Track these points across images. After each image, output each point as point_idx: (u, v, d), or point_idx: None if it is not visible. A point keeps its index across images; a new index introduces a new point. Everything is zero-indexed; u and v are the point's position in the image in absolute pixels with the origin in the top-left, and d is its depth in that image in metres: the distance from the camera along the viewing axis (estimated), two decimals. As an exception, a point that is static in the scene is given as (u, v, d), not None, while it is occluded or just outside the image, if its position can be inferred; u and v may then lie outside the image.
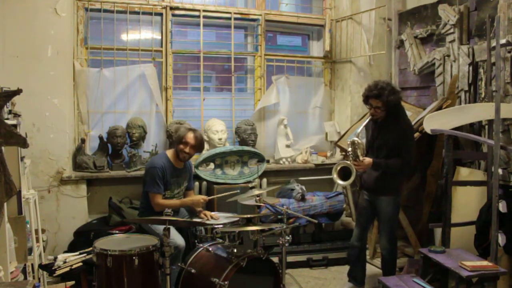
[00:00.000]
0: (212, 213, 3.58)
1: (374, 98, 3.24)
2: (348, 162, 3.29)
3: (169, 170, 3.44)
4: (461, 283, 2.75)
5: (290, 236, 3.23)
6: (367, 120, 3.39)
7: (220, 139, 4.44)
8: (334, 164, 3.48)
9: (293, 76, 5.05)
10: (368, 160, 3.29)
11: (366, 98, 3.33)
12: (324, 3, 5.22)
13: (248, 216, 3.34)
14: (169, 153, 3.55)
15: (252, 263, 2.91)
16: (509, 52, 3.42)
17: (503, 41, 3.25)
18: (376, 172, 3.37)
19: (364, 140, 3.52)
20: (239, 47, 4.97)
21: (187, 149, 3.44)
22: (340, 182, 3.33)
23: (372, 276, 3.88)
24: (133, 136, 4.21)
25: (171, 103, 4.57)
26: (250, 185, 4.32)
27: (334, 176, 3.32)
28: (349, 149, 3.31)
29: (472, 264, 2.74)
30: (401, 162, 3.29)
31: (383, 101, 3.22)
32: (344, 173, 3.32)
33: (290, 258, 4.10)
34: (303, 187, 4.43)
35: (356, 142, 3.30)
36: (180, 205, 3.57)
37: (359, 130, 3.37)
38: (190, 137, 3.44)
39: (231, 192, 3.62)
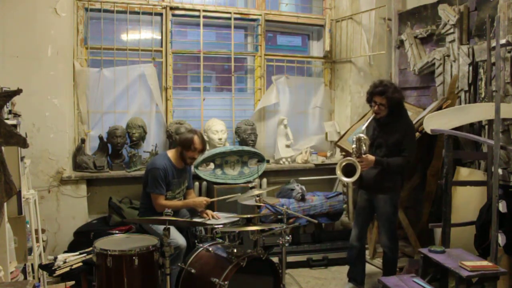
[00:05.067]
0: (214, 213, 3.59)
1: (379, 95, 3.29)
2: (353, 158, 3.30)
3: (170, 170, 3.44)
4: (461, 283, 2.75)
5: (290, 236, 3.22)
6: (371, 118, 3.41)
7: (220, 139, 4.44)
8: (335, 164, 3.48)
9: (293, 76, 5.05)
10: (371, 157, 3.30)
11: (371, 95, 3.37)
12: (324, 3, 5.22)
13: (248, 216, 3.33)
14: (170, 153, 3.53)
15: (252, 263, 2.91)
16: (509, 52, 3.42)
17: (503, 41, 3.25)
18: (375, 170, 3.37)
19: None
20: (239, 47, 4.97)
21: (196, 155, 3.49)
22: (344, 179, 3.32)
23: (372, 276, 3.88)
24: (133, 136, 4.21)
25: (171, 103, 4.57)
26: (250, 185, 4.31)
27: (338, 172, 3.31)
28: (354, 145, 3.33)
29: (472, 264, 2.74)
30: (402, 161, 3.31)
31: (387, 98, 3.26)
32: (347, 170, 3.32)
33: (290, 258, 4.10)
34: (303, 187, 4.43)
35: (362, 138, 3.31)
36: (182, 206, 3.57)
37: (364, 127, 3.38)
38: (197, 142, 3.44)
39: (233, 196, 3.63)
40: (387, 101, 3.27)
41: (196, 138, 3.43)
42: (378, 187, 3.40)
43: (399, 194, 3.51)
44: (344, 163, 3.31)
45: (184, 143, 3.44)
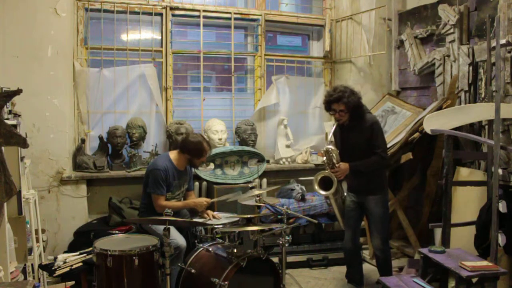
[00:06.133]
0: (214, 213, 3.59)
1: (336, 102, 3.29)
2: (327, 171, 3.36)
3: (171, 172, 3.43)
4: (461, 283, 2.75)
5: (290, 236, 3.23)
6: (334, 127, 3.42)
7: (220, 139, 4.43)
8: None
9: (293, 76, 5.05)
10: (344, 165, 3.33)
11: (328, 104, 3.36)
12: (324, 3, 5.22)
13: (248, 216, 3.33)
14: (172, 154, 3.53)
15: (252, 263, 2.91)
16: (509, 52, 3.42)
17: (503, 41, 3.25)
18: (357, 175, 3.39)
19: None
20: (239, 47, 4.97)
21: (205, 158, 3.56)
22: (323, 192, 3.41)
23: (372, 275, 3.88)
24: (133, 136, 4.21)
25: (171, 103, 4.57)
26: (250, 185, 4.32)
27: (316, 187, 3.38)
28: (324, 158, 3.37)
29: (472, 264, 2.74)
30: (377, 158, 3.33)
31: (345, 103, 3.26)
32: (325, 183, 3.37)
33: (290, 258, 4.10)
34: (303, 187, 4.43)
35: (330, 150, 3.36)
36: (183, 207, 3.57)
37: (329, 138, 3.42)
38: (206, 146, 3.50)
39: (233, 194, 3.64)
40: (345, 106, 3.27)
41: (204, 144, 3.48)
42: (366, 189, 3.42)
43: (388, 193, 3.55)
44: (319, 177, 3.38)
45: (195, 151, 3.46)
